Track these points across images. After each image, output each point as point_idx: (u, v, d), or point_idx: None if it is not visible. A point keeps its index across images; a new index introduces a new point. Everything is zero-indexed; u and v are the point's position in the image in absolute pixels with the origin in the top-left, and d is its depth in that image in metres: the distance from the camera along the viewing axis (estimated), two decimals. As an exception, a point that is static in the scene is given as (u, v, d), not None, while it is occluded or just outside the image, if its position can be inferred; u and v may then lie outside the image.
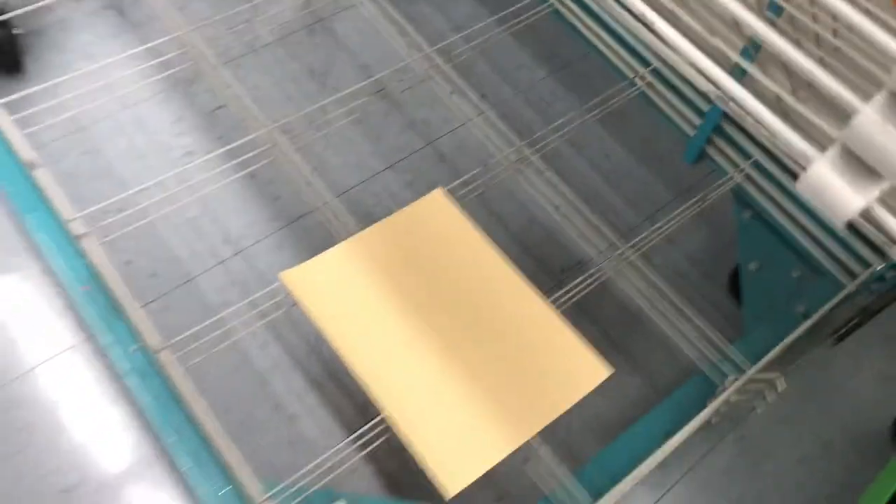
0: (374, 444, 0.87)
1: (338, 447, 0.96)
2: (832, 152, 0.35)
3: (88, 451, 0.99)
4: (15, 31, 1.25)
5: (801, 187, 0.36)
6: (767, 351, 1.00)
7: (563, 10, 1.27)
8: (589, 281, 1.03)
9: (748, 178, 1.13)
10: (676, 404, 0.99)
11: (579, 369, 0.89)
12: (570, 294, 1.00)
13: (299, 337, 1.10)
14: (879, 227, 1.02)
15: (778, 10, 0.90)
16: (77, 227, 0.96)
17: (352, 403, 1.07)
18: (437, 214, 0.99)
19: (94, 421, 1.01)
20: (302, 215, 1.21)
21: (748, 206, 1.15)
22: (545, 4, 1.28)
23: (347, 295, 0.90)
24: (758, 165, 1.11)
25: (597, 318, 1.18)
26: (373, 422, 0.88)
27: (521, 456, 0.91)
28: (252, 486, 0.81)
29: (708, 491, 1.08)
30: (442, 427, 0.84)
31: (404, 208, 0.99)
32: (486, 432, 0.84)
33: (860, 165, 0.34)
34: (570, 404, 0.86)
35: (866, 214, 0.36)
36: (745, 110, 0.41)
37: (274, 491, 0.82)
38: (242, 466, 0.82)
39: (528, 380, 0.87)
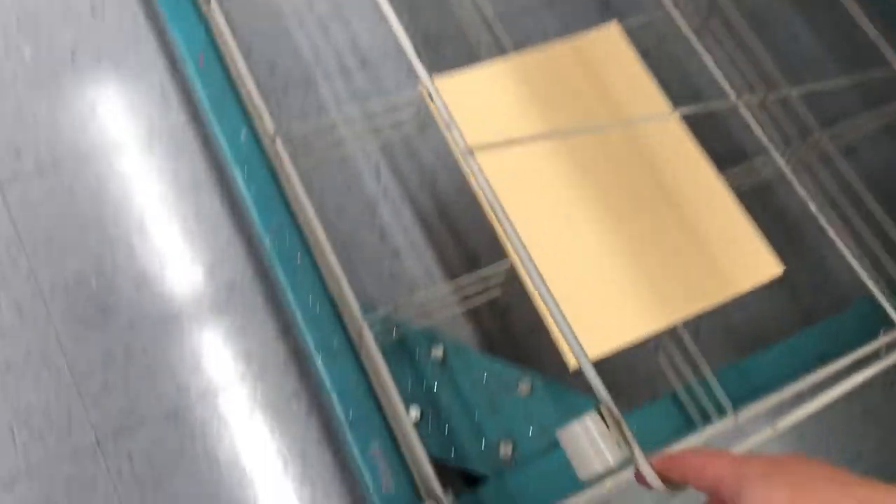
0: (480, 297, 0.77)
1: (440, 293, 0.86)
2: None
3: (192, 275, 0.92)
4: None
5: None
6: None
7: None
8: (754, 175, 0.88)
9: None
10: (835, 329, 0.86)
11: (748, 260, 0.75)
12: (733, 182, 0.85)
13: (415, 167, 0.99)
14: None
15: None
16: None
17: (461, 250, 0.96)
18: (610, 51, 0.84)
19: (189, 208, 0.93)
20: (442, 32, 1.07)
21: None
22: None
23: (498, 119, 0.78)
24: None
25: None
26: (481, 272, 0.77)
27: (651, 344, 0.79)
28: (353, 305, 0.71)
29: (836, 433, 0.95)
30: (579, 290, 0.72)
31: (573, 37, 0.84)
32: (628, 306, 0.72)
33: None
34: (731, 296, 0.73)
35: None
36: None
37: (372, 315, 0.73)
38: (345, 282, 0.72)
39: (688, 260, 0.74)
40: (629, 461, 0.45)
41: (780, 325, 0.99)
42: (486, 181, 0.56)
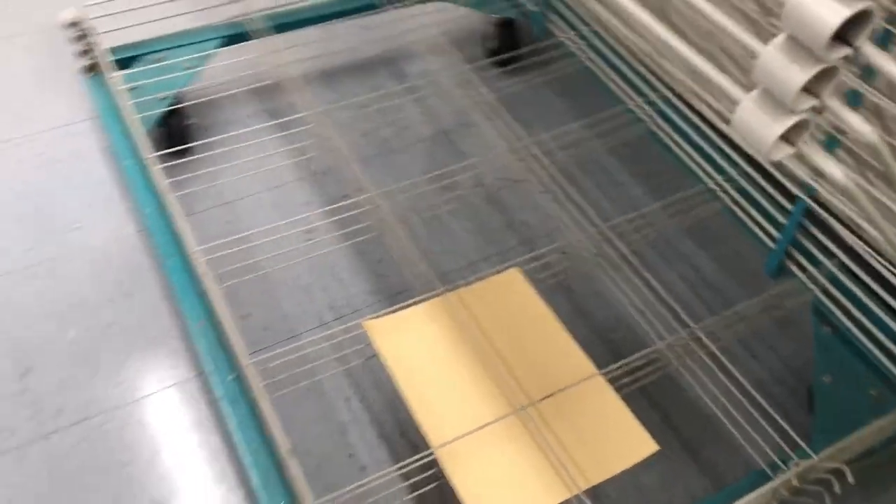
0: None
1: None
2: (755, 93, 0.44)
3: (181, 473, 1.12)
4: (188, 122, 1.51)
5: (732, 126, 0.46)
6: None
7: (649, 122, 1.38)
8: (653, 369, 1.07)
9: (826, 292, 1.15)
10: (730, 497, 1.00)
11: (628, 441, 0.93)
12: (636, 378, 1.05)
13: (379, 393, 1.20)
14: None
15: None
16: (205, 271, 1.13)
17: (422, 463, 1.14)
18: (513, 289, 1.08)
19: (190, 446, 1.14)
20: (399, 291, 1.33)
21: (826, 321, 1.16)
22: (634, 120, 1.40)
23: (422, 350, 1.01)
24: (835, 280, 1.14)
25: (663, 409, 1.21)
26: (427, 470, 0.95)
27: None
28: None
29: None
30: (491, 479, 0.90)
31: (482, 281, 1.09)
32: (532, 487, 0.89)
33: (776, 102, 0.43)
34: (616, 471, 0.90)
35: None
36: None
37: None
38: None
39: (577, 443, 0.92)
40: None
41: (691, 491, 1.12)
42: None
